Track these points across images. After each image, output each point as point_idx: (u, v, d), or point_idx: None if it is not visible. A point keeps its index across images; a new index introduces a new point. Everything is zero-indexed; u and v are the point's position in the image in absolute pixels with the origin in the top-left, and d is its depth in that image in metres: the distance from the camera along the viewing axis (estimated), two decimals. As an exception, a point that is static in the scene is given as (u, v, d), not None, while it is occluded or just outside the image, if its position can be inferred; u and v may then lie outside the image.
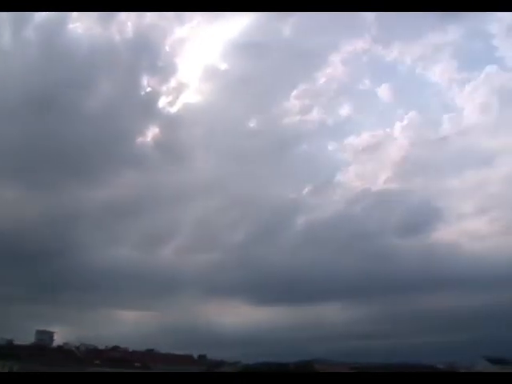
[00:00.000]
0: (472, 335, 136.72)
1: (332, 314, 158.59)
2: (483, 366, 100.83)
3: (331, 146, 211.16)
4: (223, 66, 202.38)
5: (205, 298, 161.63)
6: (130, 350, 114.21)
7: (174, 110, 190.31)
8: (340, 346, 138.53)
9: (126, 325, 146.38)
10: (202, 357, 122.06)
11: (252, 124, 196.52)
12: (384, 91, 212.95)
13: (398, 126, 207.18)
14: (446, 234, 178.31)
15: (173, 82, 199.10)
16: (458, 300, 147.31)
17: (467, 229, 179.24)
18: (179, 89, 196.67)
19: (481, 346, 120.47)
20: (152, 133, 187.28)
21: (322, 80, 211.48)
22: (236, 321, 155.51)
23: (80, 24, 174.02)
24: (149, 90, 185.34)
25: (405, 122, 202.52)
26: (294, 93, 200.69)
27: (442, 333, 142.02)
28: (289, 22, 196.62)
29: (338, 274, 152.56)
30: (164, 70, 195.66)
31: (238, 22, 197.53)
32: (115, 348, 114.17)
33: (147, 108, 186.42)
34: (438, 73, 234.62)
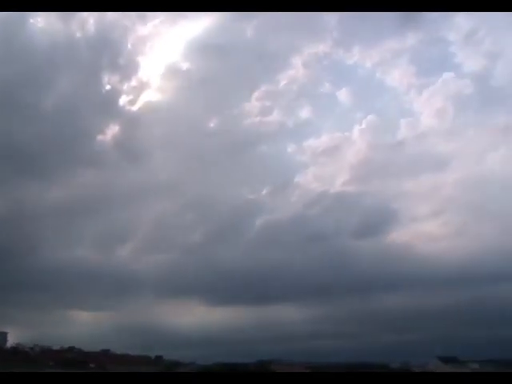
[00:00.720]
0: (426, 335, 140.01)
1: (290, 315, 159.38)
2: (435, 365, 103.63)
3: (290, 148, 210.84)
4: (185, 66, 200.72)
5: (162, 298, 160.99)
6: (86, 350, 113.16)
7: (134, 108, 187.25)
8: (297, 346, 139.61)
9: (81, 325, 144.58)
10: (158, 357, 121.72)
11: (212, 124, 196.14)
12: (344, 94, 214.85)
13: (356, 129, 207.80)
14: (401, 235, 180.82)
15: (134, 81, 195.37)
16: (413, 300, 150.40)
17: (422, 231, 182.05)
18: (140, 87, 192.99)
19: (434, 345, 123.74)
20: (112, 131, 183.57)
21: (283, 82, 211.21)
22: (193, 321, 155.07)
23: (40, 19, 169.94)
24: (110, 88, 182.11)
25: (363, 125, 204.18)
26: (255, 94, 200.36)
27: (397, 332, 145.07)
28: (252, 24, 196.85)
29: (295, 275, 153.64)
30: (125, 68, 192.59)
31: (201, 22, 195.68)
32: (70, 349, 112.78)
33: (107, 106, 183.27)
34: (397, 78, 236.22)
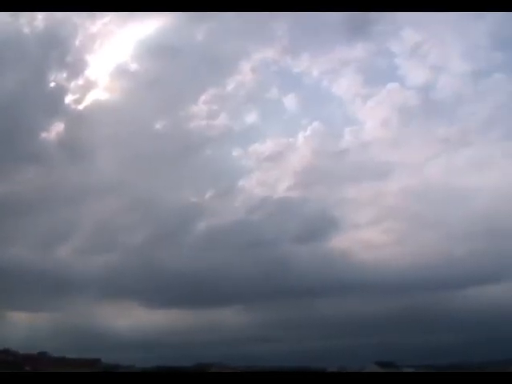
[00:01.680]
0: (364, 340, 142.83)
1: (231, 319, 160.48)
2: (372, 370, 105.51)
3: (236, 152, 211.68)
4: (134, 66, 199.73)
5: (102, 300, 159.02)
6: (22, 352, 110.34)
7: (80, 107, 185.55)
8: (238, 349, 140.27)
9: (18, 327, 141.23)
10: (96, 360, 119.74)
11: (159, 126, 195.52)
12: (290, 101, 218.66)
13: (301, 135, 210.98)
14: (342, 241, 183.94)
15: (81, 79, 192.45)
16: (352, 306, 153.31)
17: (362, 238, 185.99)
18: (87, 86, 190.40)
19: (372, 351, 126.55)
20: (56, 129, 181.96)
21: (230, 86, 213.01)
22: (133, 324, 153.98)
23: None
24: (56, 85, 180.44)
25: (308, 132, 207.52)
26: (203, 97, 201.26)
27: (335, 337, 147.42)
28: (202, 27, 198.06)
29: (237, 279, 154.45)
30: (73, 66, 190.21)
31: (152, 23, 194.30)
32: (5, 351, 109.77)
33: (53, 104, 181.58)
34: (343, 87, 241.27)
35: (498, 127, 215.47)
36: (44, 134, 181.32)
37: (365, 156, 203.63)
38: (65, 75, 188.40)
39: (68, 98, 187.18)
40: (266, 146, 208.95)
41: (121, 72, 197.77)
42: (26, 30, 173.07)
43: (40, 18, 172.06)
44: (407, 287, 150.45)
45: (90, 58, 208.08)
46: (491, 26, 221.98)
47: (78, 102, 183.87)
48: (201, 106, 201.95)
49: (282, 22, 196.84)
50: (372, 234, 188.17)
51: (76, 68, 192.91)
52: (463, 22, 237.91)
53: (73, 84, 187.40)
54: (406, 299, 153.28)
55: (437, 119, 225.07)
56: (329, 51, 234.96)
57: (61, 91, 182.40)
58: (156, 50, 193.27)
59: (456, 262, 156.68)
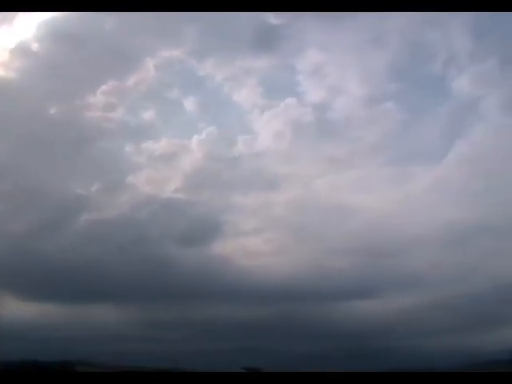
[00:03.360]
0: (236, 345, 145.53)
1: (103, 316, 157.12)
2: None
3: (128, 148, 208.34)
4: (35, 47, 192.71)
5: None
6: None
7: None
8: (108, 347, 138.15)
9: None
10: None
11: (53, 111, 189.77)
12: (190, 103, 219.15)
13: (196, 138, 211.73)
14: (224, 247, 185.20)
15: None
16: (227, 311, 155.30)
17: (244, 245, 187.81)
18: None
19: (242, 356, 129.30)
20: None
21: (131, 81, 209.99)
22: (2, 315, 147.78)
23: None
24: None
25: (203, 136, 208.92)
26: (102, 88, 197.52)
27: (209, 340, 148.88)
28: (111, 18, 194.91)
29: (115, 276, 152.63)
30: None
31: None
32: None
33: None
34: (243, 95, 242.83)
35: (383, 153, 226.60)
36: None
37: (255, 165, 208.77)
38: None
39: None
40: (160, 145, 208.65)
41: (21, 51, 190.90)
42: None
43: None
44: (283, 296, 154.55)
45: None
46: (390, 56, 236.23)
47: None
48: (99, 97, 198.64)
49: (191, 24, 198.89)
50: (255, 242, 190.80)
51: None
52: (364, 50, 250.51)
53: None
54: (280, 308, 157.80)
55: (328, 138, 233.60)
56: (234, 59, 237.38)
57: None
58: (60, 35, 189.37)
59: (332, 276, 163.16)
